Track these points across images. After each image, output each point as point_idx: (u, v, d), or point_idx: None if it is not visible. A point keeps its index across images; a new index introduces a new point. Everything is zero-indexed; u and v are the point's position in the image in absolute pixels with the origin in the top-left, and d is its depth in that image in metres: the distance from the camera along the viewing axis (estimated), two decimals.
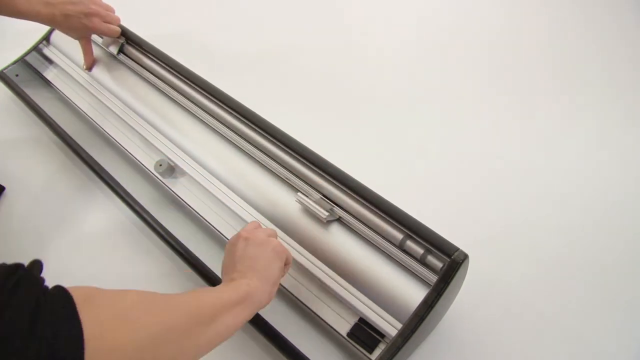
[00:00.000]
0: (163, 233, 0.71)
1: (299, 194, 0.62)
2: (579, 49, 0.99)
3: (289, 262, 0.57)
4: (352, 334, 0.57)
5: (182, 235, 0.71)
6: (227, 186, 0.70)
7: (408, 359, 0.62)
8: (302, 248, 0.62)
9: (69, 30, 0.80)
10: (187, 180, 0.74)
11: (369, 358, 0.56)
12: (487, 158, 0.84)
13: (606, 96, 0.91)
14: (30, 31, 0.95)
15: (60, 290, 0.35)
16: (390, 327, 0.55)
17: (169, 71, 0.79)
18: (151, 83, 0.81)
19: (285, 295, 0.66)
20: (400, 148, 0.87)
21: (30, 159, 0.89)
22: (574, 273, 0.70)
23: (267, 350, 0.64)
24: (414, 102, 0.94)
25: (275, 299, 0.67)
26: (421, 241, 0.54)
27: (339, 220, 0.62)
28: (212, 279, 0.66)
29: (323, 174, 0.62)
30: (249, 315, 0.48)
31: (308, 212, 0.62)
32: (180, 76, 0.77)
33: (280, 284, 0.63)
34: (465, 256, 0.51)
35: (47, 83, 0.93)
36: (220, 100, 0.72)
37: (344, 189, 0.60)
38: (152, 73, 0.81)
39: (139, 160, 0.78)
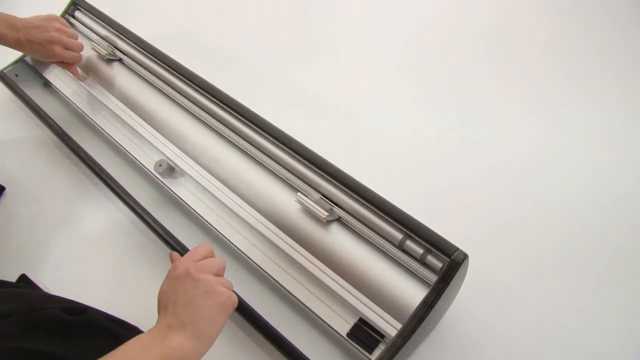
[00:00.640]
0: (163, 233, 0.71)
1: (298, 194, 0.62)
2: (582, 47, 0.99)
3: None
4: (351, 334, 0.57)
5: (182, 235, 0.71)
6: (226, 186, 0.70)
7: (408, 359, 0.61)
8: (301, 248, 0.62)
9: (33, 54, 0.83)
10: (186, 180, 0.74)
11: (368, 358, 0.56)
12: (487, 157, 0.84)
13: (607, 95, 0.90)
14: None
15: None
16: (390, 327, 0.55)
17: (168, 71, 0.79)
18: (151, 83, 0.81)
19: (285, 295, 0.66)
20: (400, 147, 0.87)
21: (30, 159, 0.89)
22: (574, 273, 0.70)
23: (267, 350, 0.64)
24: (411, 101, 0.94)
25: (275, 299, 0.68)
26: (421, 241, 0.54)
27: (339, 220, 0.62)
28: None
29: (323, 173, 0.62)
30: None
31: (308, 212, 0.62)
32: (179, 76, 0.77)
33: (280, 284, 0.63)
34: (465, 256, 0.51)
35: (47, 83, 0.93)
36: (220, 100, 0.72)
37: (344, 188, 0.60)
38: (151, 73, 0.81)
39: (138, 161, 0.78)
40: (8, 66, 0.94)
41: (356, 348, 0.57)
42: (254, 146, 0.69)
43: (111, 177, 0.78)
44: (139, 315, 0.57)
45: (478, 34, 1.04)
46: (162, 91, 0.80)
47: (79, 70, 0.86)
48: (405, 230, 0.55)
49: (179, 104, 0.78)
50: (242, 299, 0.64)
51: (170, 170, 0.75)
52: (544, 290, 0.68)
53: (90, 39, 0.90)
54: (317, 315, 0.60)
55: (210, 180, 0.71)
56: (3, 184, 0.84)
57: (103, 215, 0.81)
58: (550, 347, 0.63)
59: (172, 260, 0.53)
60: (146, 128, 0.78)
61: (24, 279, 0.73)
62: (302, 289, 0.62)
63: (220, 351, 0.65)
